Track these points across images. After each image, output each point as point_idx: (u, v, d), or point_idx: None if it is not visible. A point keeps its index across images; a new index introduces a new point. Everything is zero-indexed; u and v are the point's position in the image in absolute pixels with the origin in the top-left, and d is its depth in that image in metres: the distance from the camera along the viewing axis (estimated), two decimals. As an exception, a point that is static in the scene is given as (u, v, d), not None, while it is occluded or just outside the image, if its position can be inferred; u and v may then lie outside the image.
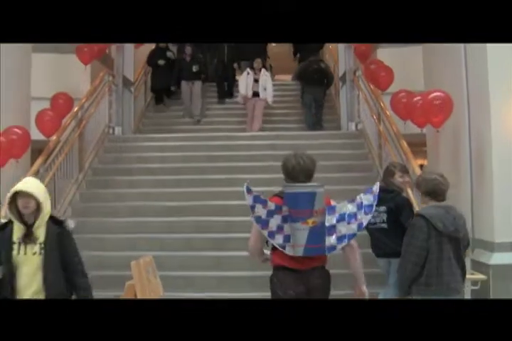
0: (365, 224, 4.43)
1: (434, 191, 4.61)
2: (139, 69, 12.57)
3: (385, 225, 5.66)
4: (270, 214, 4.29)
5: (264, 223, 4.29)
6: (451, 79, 7.37)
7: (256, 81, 11.61)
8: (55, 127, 8.19)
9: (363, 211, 4.41)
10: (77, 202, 8.60)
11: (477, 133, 6.73)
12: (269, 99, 11.55)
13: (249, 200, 4.29)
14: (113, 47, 11.54)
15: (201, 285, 6.79)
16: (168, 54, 12.75)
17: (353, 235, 4.35)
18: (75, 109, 8.86)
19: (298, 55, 13.35)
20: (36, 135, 7.91)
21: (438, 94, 6.86)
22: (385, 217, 5.65)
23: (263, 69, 11.82)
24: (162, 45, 12.81)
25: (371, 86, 9.64)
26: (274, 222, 4.29)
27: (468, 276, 5.15)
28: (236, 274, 6.85)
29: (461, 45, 6.96)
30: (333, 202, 4.47)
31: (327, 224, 4.31)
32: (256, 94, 11.53)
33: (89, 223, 8.03)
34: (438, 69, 8.05)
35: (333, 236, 4.32)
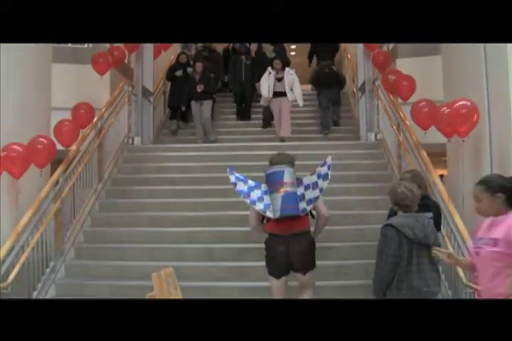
0: (324, 188, 5.69)
1: (400, 204, 4.91)
2: (158, 79, 12.64)
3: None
4: (250, 188, 5.77)
5: (245, 194, 5.76)
6: (471, 88, 7.32)
7: (279, 80, 11.03)
8: (74, 137, 8.21)
9: (321, 179, 5.72)
10: (97, 212, 8.62)
11: (498, 142, 6.67)
12: (300, 102, 11.04)
13: (231, 179, 5.87)
14: (132, 57, 11.62)
15: (222, 296, 6.75)
16: (189, 70, 12.41)
17: (317, 198, 5.67)
18: (95, 119, 8.90)
19: (312, 61, 13.85)
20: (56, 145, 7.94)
21: (464, 103, 6.79)
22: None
23: (287, 68, 11.23)
24: (182, 60, 12.69)
25: (390, 96, 9.60)
26: (255, 194, 5.72)
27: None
28: (257, 284, 6.80)
29: (482, 54, 6.91)
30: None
31: (298, 193, 5.64)
32: (280, 94, 10.95)
33: (108, 233, 8.06)
34: (458, 78, 8.01)
35: (304, 201, 5.63)
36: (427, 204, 5.65)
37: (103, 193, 9.00)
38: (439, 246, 4.82)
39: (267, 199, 5.66)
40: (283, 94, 10.91)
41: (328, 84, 11.83)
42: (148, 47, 11.48)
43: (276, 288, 5.77)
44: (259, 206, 5.66)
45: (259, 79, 11.69)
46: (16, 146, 6.70)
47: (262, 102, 11.41)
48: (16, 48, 7.08)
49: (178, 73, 12.39)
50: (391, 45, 12.37)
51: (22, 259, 6.28)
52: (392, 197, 4.97)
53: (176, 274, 5.36)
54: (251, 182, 5.81)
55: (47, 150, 7.17)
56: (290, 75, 11.02)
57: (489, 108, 6.81)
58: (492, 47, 6.73)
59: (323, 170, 5.75)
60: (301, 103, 11.03)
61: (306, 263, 5.68)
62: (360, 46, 10.95)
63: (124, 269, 7.29)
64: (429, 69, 10.14)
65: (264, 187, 5.73)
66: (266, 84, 11.06)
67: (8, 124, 6.80)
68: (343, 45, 15.45)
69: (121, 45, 11.45)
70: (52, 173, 7.72)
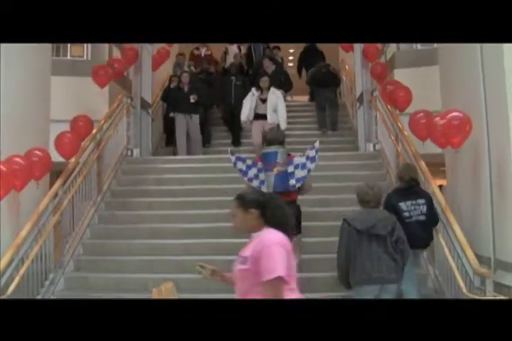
0: (312, 169, 6.81)
1: (362, 200, 5.68)
2: (157, 91, 12.65)
3: (423, 217, 6.35)
4: (248, 167, 6.95)
5: (244, 173, 7.00)
6: (469, 98, 7.33)
7: (263, 101, 10.08)
8: (75, 149, 8.23)
9: (309, 161, 6.78)
10: (96, 224, 8.61)
11: (497, 153, 6.67)
12: (282, 125, 9.80)
13: (232, 159, 7.06)
14: (131, 69, 11.66)
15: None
16: None
17: (305, 177, 6.78)
18: (94, 131, 8.91)
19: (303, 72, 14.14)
20: (55, 157, 7.95)
21: (456, 114, 6.81)
22: (424, 208, 6.37)
23: (272, 88, 10.18)
24: (184, 79, 11.52)
25: (388, 106, 9.62)
26: (252, 172, 6.92)
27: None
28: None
29: (479, 64, 6.94)
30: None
31: (289, 170, 6.75)
32: (263, 117, 9.97)
33: (107, 245, 8.05)
34: (455, 88, 8.04)
35: (293, 179, 6.74)
36: (417, 192, 6.53)
37: (102, 205, 8.99)
38: (399, 238, 5.48)
39: (262, 176, 6.84)
40: (265, 116, 9.94)
41: (325, 84, 12.28)
42: (146, 60, 11.53)
43: None
44: (255, 183, 6.87)
45: None
46: (17, 159, 6.70)
47: (243, 125, 10.58)
48: (17, 60, 7.13)
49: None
50: (388, 56, 12.44)
51: (21, 271, 6.27)
52: (357, 195, 5.75)
53: (175, 286, 5.35)
54: (248, 162, 7.04)
55: (43, 162, 7.18)
56: (273, 95, 10.04)
57: (487, 118, 6.82)
58: (489, 56, 6.75)
59: (312, 153, 6.85)
60: (283, 126, 9.75)
61: (298, 226, 6.59)
62: (358, 57, 10.99)
63: (123, 281, 7.27)
64: (426, 79, 10.17)
65: (259, 165, 6.90)
66: (248, 105, 10.10)
67: (8, 136, 6.81)
68: (340, 57, 15.54)
69: (120, 57, 11.54)
70: (51, 185, 7.73)
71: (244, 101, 10.26)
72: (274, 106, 9.90)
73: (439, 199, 6.90)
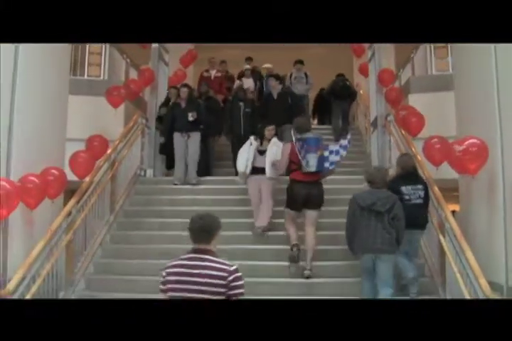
0: (343, 156, 7.75)
1: (369, 181, 6.80)
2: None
3: (420, 200, 7.17)
4: (301, 148, 7.60)
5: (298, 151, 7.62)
6: (484, 124, 7.34)
7: (261, 153, 8.77)
8: (89, 169, 8.28)
9: (342, 149, 7.67)
10: (108, 244, 8.62)
11: (511, 179, 6.66)
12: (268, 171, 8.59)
13: (297, 145, 7.68)
14: (146, 90, 11.75)
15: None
16: (162, 111, 11.06)
17: (338, 161, 7.75)
18: (109, 151, 8.97)
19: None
20: (69, 176, 7.99)
21: (474, 141, 6.82)
22: (422, 193, 7.19)
23: (274, 139, 8.87)
24: (173, 95, 10.98)
25: (402, 131, 9.63)
26: (302, 152, 7.58)
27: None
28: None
29: (495, 89, 6.96)
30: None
31: (325, 155, 7.61)
32: (261, 171, 8.63)
33: (119, 264, 8.04)
34: (470, 114, 8.04)
35: (328, 162, 7.65)
36: (416, 178, 7.40)
37: (114, 225, 9.01)
38: (396, 216, 6.46)
39: (307, 157, 7.56)
40: (263, 170, 8.65)
41: (342, 96, 13.11)
42: (162, 81, 11.63)
43: (288, 217, 7.77)
44: (304, 161, 7.56)
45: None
46: (32, 177, 6.75)
47: (238, 179, 9.23)
48: (35, 79, 7.22)
49: (160, 113, 11.06)
50: (403, 81, 12.48)
51: (33, 290, 6.27)
52: (365, 176, 7.04)
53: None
54: (302, 144, 7.65)
55: (58, 181, 7.23)
56: (275, 147, 8.67)
57: (502, 144, 6.83)
58: (504, 83, 6.78)
59: (344, 142, 7.77)
60: (268, 173, 8.59)
61: (320, 203, 7.71)
62: (372, 81, 11.03)
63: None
64: (441, 104, 10.21)
65: (305, 147, 7.59)
66: (244, 156, 8.86)
67: (23, 155, 6.87)
68: (355, 81, 15.61)
69: (136, 78, 11.62)
70: (65, 203, 7.76)
71: (240, 151, 9.02)
72: (274, 160, 8.45)
73: (453, 225, 6.86)
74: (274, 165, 8.41)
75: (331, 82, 13.56)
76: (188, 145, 10.11)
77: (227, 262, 4.06)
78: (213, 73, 13.77)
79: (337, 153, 7.67)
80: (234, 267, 4.00)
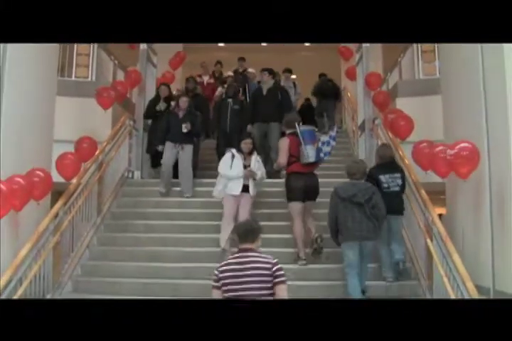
0: (333, 146, 8.31)
1: (349, 173, 7.29)
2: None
3: (398, 188, 7.63)
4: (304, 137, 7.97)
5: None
6: (471, 128, 7.38)
7: (244, 168, 8.37)
8: (75, 171, 8.25)
9: (331, 139, 8.16)
10: (95, 246, 8.59)
11: (498, 182, 6.70)
12: (251, 188, 8.38)
13: (298, 131, 8.03)
14: (134, 91, 11.73)
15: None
16: (161, 105, 10.86)
17: (329, 152, 8.23)
18: (97, 152, 8.94)
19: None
20: (56, 177, 7.96)
21: (465, 145, 6.87)
22: (400, 181, 7.64)
23: (254, 155, 8.57)
24: (164, 92, 10.96)
25: (390, 135, 9.67)
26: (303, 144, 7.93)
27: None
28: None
29: (481, 93, 7.00)
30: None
31: (319, 147, 8.00)
32: (243, 188, 8.30)
33: (105, 267, 8.02)
34: (458, 118, 8.09)
35: (322, 153, 8.07)
36: (394, 167, 7.80)
37: (102, 227, 8.98)
38: (375, 205, 6.94)
39: (307, 148, 7.89)
40: (245, 188, 8.31)
41: (327, 95, 13.75)
42: (150, 82, 11.61)
43: (296, 209, 7.95)
44: (305, 152, 7.89)
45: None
46: (18, 178, 6.70)
47: (215, 193, 8.60)
48: (22, 80, 7.19)
49: (159, 107, 10.80)
50: (390, 85, 12.53)
51: (19, 292, 6.23)
52: (345, 168, 7.41)
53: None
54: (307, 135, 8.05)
55: (43, 183, 7.18)
56: (257, 163, 8.53)
57: (489, 147, 6.87)
58: (492, 87, 6.82)
59: (333, 133, 8.30)
60: (252, 191, 8.38)
61: (317, 193, 8.09)
62: (360, 85, 11.07)
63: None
64: (429, 108, 10.25)
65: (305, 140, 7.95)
66: (227, 167, 8.41)
67: (10, 156, 6.83)
68: (343, 84, 15.66)
69: (123, 80, 11.60)
70: (52, 204, 7.73)
71: (221, 161, 8.63)
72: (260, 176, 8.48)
73: (439, 228, 6.89)
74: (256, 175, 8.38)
75: (317, 81, 14.23)
76: (181, 158, 9.70)
77: (269, 256, 4.85)
78: (206, 79, 13.54)
79: (328, 143, 8.14)
80: (276, 260, 4.81)
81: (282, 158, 8.11)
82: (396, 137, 9.53)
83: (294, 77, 14.53)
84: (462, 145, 6.88)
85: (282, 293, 4.68)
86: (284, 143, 8.15)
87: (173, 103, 10.59)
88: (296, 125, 8.10)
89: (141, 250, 8.35)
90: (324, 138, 8.18)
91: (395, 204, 7.48)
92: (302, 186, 7.93)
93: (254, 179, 8.40)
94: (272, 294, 4.67)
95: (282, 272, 4.77)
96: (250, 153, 8.53)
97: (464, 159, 6.82)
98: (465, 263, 6.22)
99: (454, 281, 6.31)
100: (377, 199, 7.00)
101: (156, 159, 10.54)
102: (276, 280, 4.70)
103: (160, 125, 10.12)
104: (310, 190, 8.00)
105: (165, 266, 7.97)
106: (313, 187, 8.04)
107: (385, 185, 7.53)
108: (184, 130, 9.51)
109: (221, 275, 4.87)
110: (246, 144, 8.51)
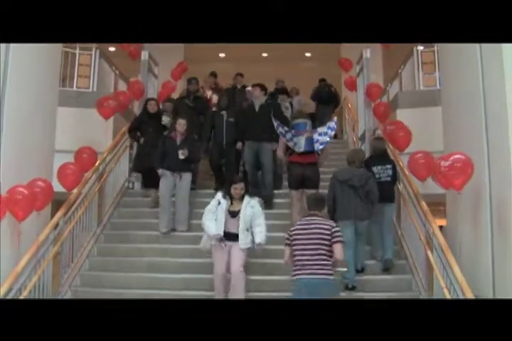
0: (332, 136, 8.72)
1: (348, 160, 8.07)
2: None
3: (389, 178, 8.23)
4: (286, 131, 8.60)
5: (282, 135, 8.63)
6: (471, 140, 7.39)
7: (233, 215, 7.23)
8: (76, 181, 8.26)
9: (330, 130, 8.54)
10: (95, 256, 8.58)
11: (498, 194, 6.70)
12: (259, 238, 7.13)
13: (275, 124, 8.75)
14: (135, 102, 11.75)
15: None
16: (165, 119, 10.11)
17: (327, 142, 8.55)
18: (97, 163, 8.95)
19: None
20: (56, 187, 7.96)
21: (459, 156, 6.86)
22: (390, 171, 8.24)
23: (248, 197, 7.32)
24: (153, 108, 10.13)
25: (390, 146, 9.68)
26: (288, 135, 8.55)
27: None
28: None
29: (482, 106, 7.01)
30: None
31: (314, 137, 8.46)
32: (232, 237, 7.15)
33: (105, 277, 8.00)
34: (458, 130, 8.10)
35: (318, 143, 8.47)
36: (385, 159, 8.44)
37: (102, 237, 8.97)
38: (369, 190, 7.63)
39: (295, 140, 8.46)
40: (235, 236, 7.15)
41: (327, 101, 13.88)
42: (152, 93, 11.65)
43: (293, 196, 8.57)
44: (291, 144, 8.50)
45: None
46: (20, 188, 6.71)
47: (202, 245, 7.49)
48: (24, 90, 7.21)
49: (166, 120, 10.11)
50: (391, 96, 12.56)
51: (19, 302, 6.22)
52: (346, 156, 8.16)
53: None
54: (286, 128, 8.65)
55: (44, 193, 7.19)
56: (250, 208, 7.23)
57: (489, 160, 6.87)
58: (492, 99, 6.83)
59: (332, 124, 8.65)
60: (242, 242, 7.14)
61: (316, 182, 8.47)
62: (360, 96, 11.10)
63: (120, 314, 7.20)
64: (429, 120, 10.27)
65: (293, 132, 8.52)
66: (210, 216, 7.25)
67: (11, 166, 6.84)
68: (343, 94, 15.70)
69: (125, 90, 11.62)
70: (52, 214, 7.73)
71: (206, 210, 7.40)
72: (248, 224, 7.17)
73: (440, 240, 6.88)
74: (259, 245, 7.12)
75: (316, 87, 14.37)
76: (178, 188, 8.91)
77: (329, 221, 6.48)
78: (209, 94, 12.89)
79: (325, 134, 8.51)
80: (334, 224, 6.30)
81: (280, 150, 8.83)
82: (395, 148, 9.54)
83: (298, 97, 14.64)
84: (455, 156, 6.86)
85: (338, 250, 6.03)
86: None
87: (163, 117, 10.06)
88: (275, 121, 8.81)
89: (141, 260, 8.33)
90: (322, 128, 8.58)
91: (385, 193, 8.00)
92: (299, 175, 8.44)
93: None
94: (331, 251, 6.02)
95: (340, 234, 6.13)
96: (242, 198, 7.27)
97: (457, 171, 6.80)
98: (465, 275, 6.21)
99: (455, 293, 6.31)
100: (371, 185, 7.70)
101: (147, 177, 9.87)
102: (334, 239, 6.06)
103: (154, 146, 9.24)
104: (306, 179, 8.43)
105: (165, 276, 7.96)
106: (310, 177, 8.43)
107: (377, 176, 8.13)
108: (181, 157, 8.77)
109: (292, 233, 6.25)
110: (236, 190, 7.25)
